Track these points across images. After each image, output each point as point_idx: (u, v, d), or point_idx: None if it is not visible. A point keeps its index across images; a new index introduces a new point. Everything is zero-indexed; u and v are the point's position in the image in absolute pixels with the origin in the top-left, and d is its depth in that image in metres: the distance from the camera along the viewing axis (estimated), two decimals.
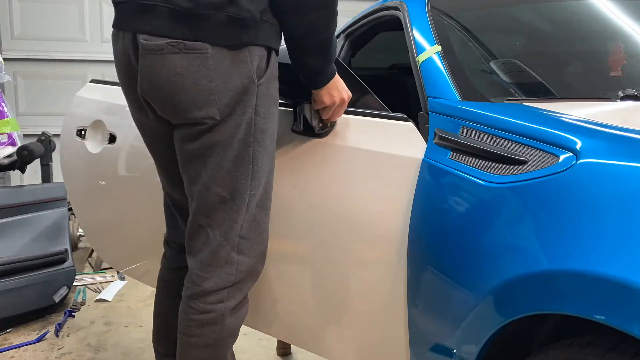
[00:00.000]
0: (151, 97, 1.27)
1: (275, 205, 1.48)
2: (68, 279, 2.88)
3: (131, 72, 1.29)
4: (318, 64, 1.34)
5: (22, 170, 3.16)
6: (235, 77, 1.23)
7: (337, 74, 1.39)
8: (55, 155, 3.18)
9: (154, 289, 1.91)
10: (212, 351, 1.37)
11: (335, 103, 1.39)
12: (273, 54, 1.30)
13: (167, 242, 1.68)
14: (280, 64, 1.35)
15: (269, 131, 1.30)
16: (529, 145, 1.05)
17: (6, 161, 3.03)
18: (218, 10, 1.20)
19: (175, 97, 1.23)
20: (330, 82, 1.38)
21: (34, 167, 3.41)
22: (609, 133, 1.04)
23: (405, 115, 1.35)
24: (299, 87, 1.38)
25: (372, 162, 1.33)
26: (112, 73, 1.60)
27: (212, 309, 1.33)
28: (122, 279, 3.36)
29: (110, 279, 3.38)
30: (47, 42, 4.95)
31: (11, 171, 3.41)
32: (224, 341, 1.37)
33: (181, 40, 1.20)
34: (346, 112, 1.45)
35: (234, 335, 1.39)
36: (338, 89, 1.39)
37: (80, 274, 3.40)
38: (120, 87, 1.40)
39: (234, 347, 1.45)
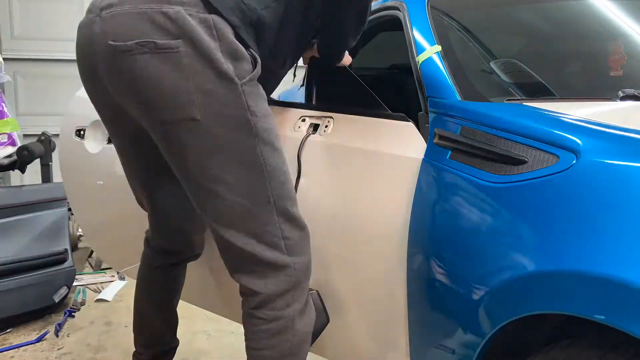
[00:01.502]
0: (124, 99, 1.24)
1: None
2: (68, 279, 2.88)
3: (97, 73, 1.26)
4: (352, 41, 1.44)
5: (22, 170, 3.15)
6: (209, 78, 1.16)
7: None
8: (55, 155, 3.18)
9: None
10: None
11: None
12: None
13: (147, 241, 1.68)
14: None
15: (271, 129, 1.24)
16: (529, 145, 1.05)
17: (6, 161, 3.03)
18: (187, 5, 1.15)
19: (152, 97, 1.17)
20: None
21: (34, 167, 3.41)
22: (609, 133, 1.04)
23: (405, 115, 1.35)
24: None
25: (372, 162, 1.33)
26: None
27: (280, 315, 1.25)
28: (122, 279, 3.35)
29: (110, 279, 3.38)
30: (47, 42, 4.94)
31: (11, 171, 3.41)
32: (299, 347, 1.28)
33: (151, 40, 1.14)
34: (346, 112, 1.45)
35: (307, 340, 1.31)
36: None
37: (80, 274, 3.40)
38: None
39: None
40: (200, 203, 1.26)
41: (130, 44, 1.14)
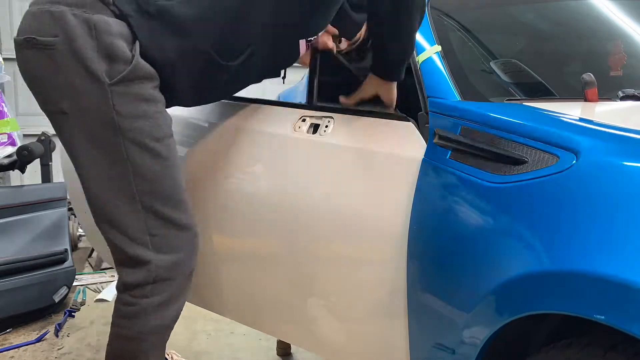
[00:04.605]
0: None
1: (275, 205, 1.47)
2: (68, 279, 2.87)
3: None
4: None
5: (22, 170, 3.15)
6: (78, 75, 1.22)
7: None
8: (55, 155, 3.18)
9: None
10: (132, 344, 1.40)
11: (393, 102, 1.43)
12: (137, 51, 1.25)
13: None
14: None
15: (142, 130, 1.27)
16: (529, 145, 1.05)
17: (6, 161, 3.03)
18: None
19: (34, 89, 1.30)
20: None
21: (34, 167, 3.41)
22: (609, 133, 1.04)
23: (405, 115, 1.35)
24: None
25: (372, 162, 1.33)
26: None
27: (135, 302, 1.36)
28: None
29: (110, 279, 3.37)
30: None
31: (11, 171, 3.41)
32: (146, 336, 1.39)
33: (33, 37, 1.23)
34: (346, 112, 1.45)
35: (157, 332, 1.40)
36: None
37: (80, 274, 3.40)
38: None
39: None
40: (84, 193, 1.35)
41: (20, 39, 1.26)
